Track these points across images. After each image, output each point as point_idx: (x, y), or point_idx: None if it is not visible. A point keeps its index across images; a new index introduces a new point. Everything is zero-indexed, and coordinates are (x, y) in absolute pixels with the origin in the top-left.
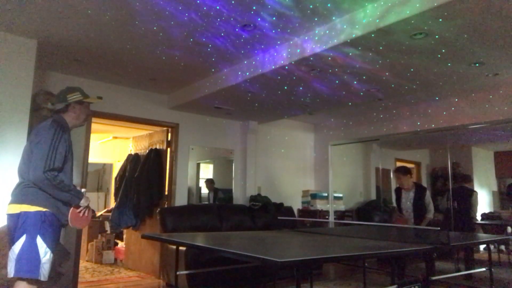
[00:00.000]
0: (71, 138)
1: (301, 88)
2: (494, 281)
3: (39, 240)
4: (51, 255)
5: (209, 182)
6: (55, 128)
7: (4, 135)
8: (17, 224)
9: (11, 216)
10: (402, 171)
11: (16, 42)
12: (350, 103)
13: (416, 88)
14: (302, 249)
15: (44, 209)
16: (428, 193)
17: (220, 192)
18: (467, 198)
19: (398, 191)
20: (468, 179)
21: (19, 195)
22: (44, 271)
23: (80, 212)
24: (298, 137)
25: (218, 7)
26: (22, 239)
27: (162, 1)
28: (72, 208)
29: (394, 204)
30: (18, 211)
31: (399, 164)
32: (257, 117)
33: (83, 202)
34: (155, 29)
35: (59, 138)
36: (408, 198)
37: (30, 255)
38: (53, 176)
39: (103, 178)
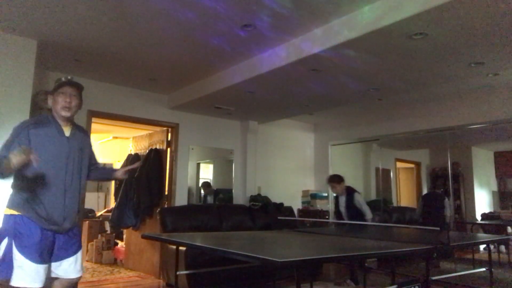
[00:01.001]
0: (52, 132)
1: (300, 88)
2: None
3: (13, 244)
4: (28, 262)
5: (205, 185)
6: (16, 125)
7: (4, 135)
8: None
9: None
10: (336, 180)
11: (16, 42)
12: (349, 103)
13: (415, 88)
14: (302, 249)
15: (17, 213)
16: (357, 196)
17: (221, 194)
18: (438, 201)
19: (336, 196)
20: (438, 187)
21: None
22: (19, 277)
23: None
24: (298, 137)
25: (217, 7)
26: (4, 242)
27: (162, 1)
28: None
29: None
30: (4, 213)
31: (399, 164)
32: (257, 117)
33: (14, 159)
34: (154, 29)
35: (15, 133)
36: (342, 203)
37: (6, 258)
38: None
39: None
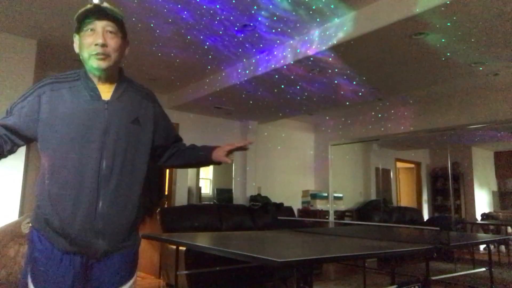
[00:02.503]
0: (80, 94)
1: (299, 88)
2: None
3: (28, 275)
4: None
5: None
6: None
7: None
8: None
9: None
10: None
11: (16, 42)
12: (349, 103)
13: (415, 88)
14: (302, 249)
15: (30, 224)
16: None
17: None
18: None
19: None
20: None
21: None
22: None
23: None
24: (298, 137)
25: (218, 6)
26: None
27: (162, 0)
28: None
29: None
30: None
31: (399, 164)
32: (257, 117)
33: None
34: (153, 28)
35: (24, 95)
36: None
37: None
38: None
39: None
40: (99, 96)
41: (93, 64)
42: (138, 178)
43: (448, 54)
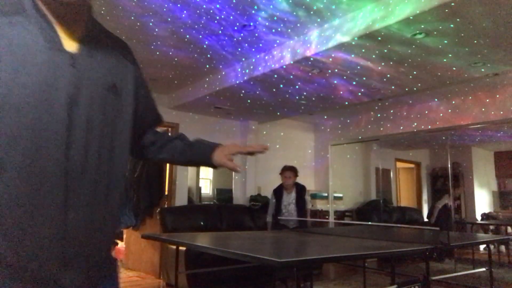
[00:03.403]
0: (28, 36)
1: (299, 88)
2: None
3: None
4: None
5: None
6: None
7: None
8: None
9: None
10: (295, 172)
11: None
12: (348, 103)
13: (415, 88)
14: (302, 249)
15: None
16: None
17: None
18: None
19: (280, 192)
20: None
21: None
22: None
23: None
24: (298, 137)
25: (218, 6)
26: None
27: (161, 1)
28: None
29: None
30: None
31: (399, 164)
32: (257, 117)
33: None
34: (153, 27)
35: None
36: (290, 200)
37: None
38: None
39: None
40: (60, 44)
41: None
42: (119, 175)
43: (448, 54)
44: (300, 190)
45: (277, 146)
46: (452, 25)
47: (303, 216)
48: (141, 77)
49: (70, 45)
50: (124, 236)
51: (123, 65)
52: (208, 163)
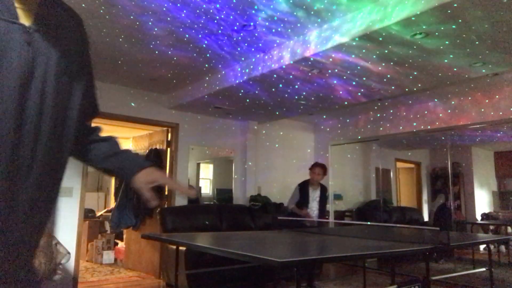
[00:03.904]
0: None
1: (298, 88)
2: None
3: None
4: None
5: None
6: None
7: None
8: None
9: None
10: (324, 169)
11: None
12: (348, 103)
13: (415, 89)
14: (302, 249)
15: None
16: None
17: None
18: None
19: (306, 187)
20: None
21: None
22: None
23: None
24: (298, 137)
25: (218, 6)
26: None
27: (161, 0)
28: None
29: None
30: None
31: (399, 164)
32: (257, 117)
33: None
34: (152, 27)
35: None
36: (315, 197)
37: None
38: None
39: (103, 178)
40: (16, 16)
41: None
42: (61, 170)
43: (448, 54)
44: (324, 189)
45: (276, 146)
46: (454, 26)
47: (324, 214)
48: (89, 58)
49: (26, 18)
50: (124, 236)
51: (76, 43)
52: (127, 181)
